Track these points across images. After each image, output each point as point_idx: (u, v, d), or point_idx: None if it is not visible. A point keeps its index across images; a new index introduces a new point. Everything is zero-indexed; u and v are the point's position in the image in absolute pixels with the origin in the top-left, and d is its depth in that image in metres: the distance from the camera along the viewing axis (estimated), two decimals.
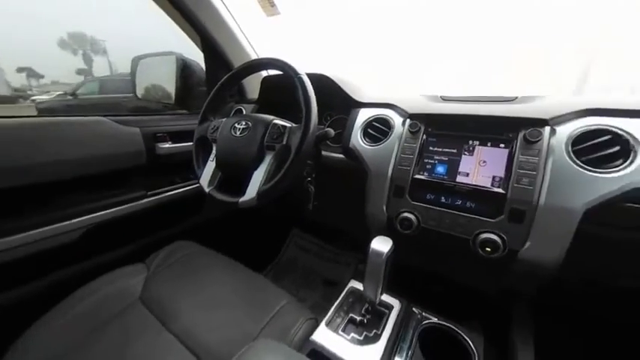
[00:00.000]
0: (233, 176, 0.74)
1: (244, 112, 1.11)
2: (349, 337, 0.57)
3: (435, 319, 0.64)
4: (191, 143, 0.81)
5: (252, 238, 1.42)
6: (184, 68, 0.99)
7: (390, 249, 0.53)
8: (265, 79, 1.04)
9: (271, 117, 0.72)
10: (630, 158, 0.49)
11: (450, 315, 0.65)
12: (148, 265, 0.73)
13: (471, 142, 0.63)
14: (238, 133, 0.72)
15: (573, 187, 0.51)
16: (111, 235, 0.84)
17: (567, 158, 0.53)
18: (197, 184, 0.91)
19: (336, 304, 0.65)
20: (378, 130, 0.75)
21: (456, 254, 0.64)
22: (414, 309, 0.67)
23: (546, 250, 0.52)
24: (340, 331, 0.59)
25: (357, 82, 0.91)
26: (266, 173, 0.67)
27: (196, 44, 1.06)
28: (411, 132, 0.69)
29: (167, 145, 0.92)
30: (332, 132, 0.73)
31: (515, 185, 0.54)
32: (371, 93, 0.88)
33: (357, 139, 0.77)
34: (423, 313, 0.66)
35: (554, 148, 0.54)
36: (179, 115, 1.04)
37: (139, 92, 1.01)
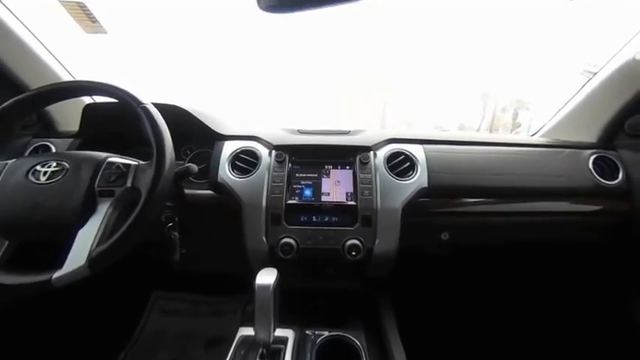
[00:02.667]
0: (34, 243, 0.51)
1: (54, 150, 0.80)
2: None
3: (326, 333, 0.68)
4: None
5: (85, 327, 1.00)
6: None
7: (276, 279, 0.53)
8: (89, 108, 0.81)
9: (104, 154, 0.56)
10: (415, 170, 0.75)
11: (337, 322, 0.71)
12: None
13: (326, 166, 0.75)
14: (44, 177, 0.51)
15: (393, 192, 0.71)
16: None
17: (386, 172, 0.73)
18: None
19: None
20: (245, 161, 0.76)
21: (330, 265, 0.73)
22: (307, 332, 0.68)
23: (388, 242, 0.69)
24: None
25: (217, 114, 0.88)
26: (102, 229, 0.50)
27: None
28: (277, 162, 0.74)
29: None
30: (195, 167, 0.65)
31: (361, 197, 0.70)
32: (233, 126, 0.88)
33: (226, 172, 0.74)
34: (316, 332, 0.68)
35: (378, 166, 0.74)
36: None
37: None
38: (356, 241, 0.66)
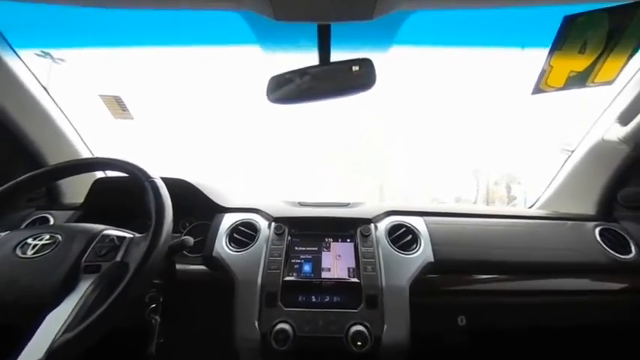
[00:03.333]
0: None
1: (52, 222, 0.79)
2: None
3: None
4: None
5: None
6: None
7: None
8: (99, 182, 0.85)
9: (101, 226, 0.55)
10: (418, 243, 0.72)
11: None
12: None
13: (327, 239, 0.73)
14: (31, 251, 0.49)
15: (398, 268, 0.67)
16: None
17: (388, 245, 0.71)
18: None
19: None
20: (244, 234, 0.74)
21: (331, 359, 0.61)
22: None
23: (398, 327, 0.60)
24: None
25: (220, 187, 0.91)
26: (75, 311, 0.44)
27: None
28: (277, 234, 0.72)
29: None
30: (191, 240, 0.63)
31: (364, 273, 0.65)
32: (235, 198, 0.90)
33: (222, 246, 0.71)
34: None
35: (379, 239, 0.72)
36: None
37: None
38: (361, 328, 0.58)
